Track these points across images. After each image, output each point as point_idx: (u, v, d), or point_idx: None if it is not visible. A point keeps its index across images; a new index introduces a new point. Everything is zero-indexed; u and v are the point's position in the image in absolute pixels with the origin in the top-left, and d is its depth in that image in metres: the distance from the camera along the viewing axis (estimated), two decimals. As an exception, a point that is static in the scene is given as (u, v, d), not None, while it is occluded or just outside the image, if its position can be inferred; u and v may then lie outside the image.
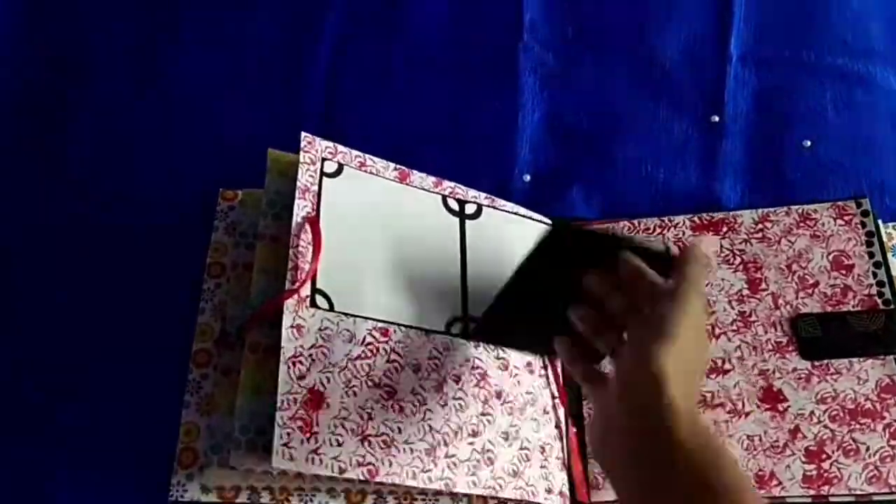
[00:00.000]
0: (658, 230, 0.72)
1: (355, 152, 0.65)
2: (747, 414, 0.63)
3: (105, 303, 0.67)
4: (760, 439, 0.62)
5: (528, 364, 0.64)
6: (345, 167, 0.64)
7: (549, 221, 0.73)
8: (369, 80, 0.80)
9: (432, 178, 0.68)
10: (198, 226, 0.68)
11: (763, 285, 0.68)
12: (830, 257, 0.68)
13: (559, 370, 0.65)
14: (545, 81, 0.81)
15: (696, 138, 0.80)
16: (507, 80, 0.81)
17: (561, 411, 0.64)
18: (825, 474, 0.60)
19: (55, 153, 0.74)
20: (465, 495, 0.60)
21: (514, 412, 0.62)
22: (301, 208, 0.60)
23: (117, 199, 0.72)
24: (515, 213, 0.71)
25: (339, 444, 0.54)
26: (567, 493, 0.62)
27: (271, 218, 0.62)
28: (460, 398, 0.60)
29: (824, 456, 0.60)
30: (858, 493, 0.59)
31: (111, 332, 0.66)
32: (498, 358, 0.63)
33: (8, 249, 0.70)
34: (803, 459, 0.61)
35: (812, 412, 0.62)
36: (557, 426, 0.64)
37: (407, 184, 0.67)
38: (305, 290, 0.57)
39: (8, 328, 0.66)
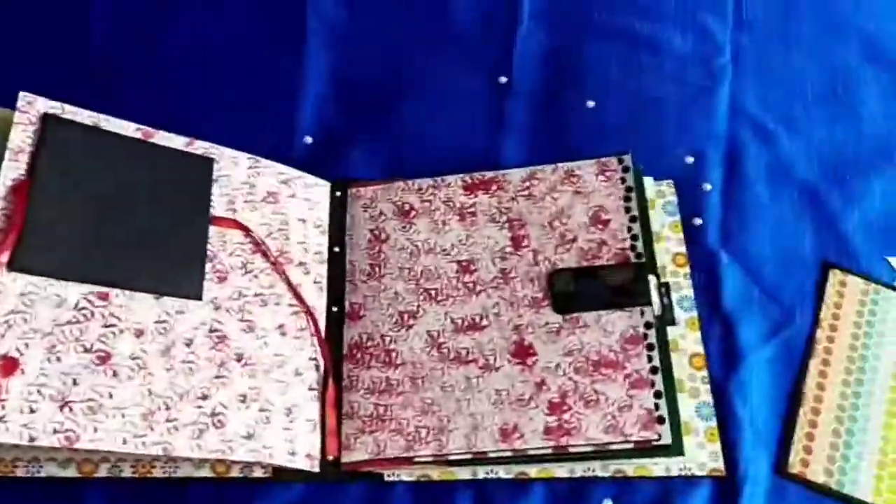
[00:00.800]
0: (430, 190, 0.71)
1: (88, 112, 0.62)
2: (498, 368, 0.63)
3: None
4: (508, 393, 0.62)
5: (280, 326, 0.63)
6: (75, 126, 0.61)
7: (326, 183, 0.71)
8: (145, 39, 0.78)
9: (182, 139, 0.66)
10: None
11: (525, 242, 0.68)
12: (590, 213, 0.68)
13: (321, 330, 0.64)
14: (333, 40, 0.80)
15: (483, 99, 0.79)
16: (294, 37, 0.79)
17: (318, 373, 0.63)
18: (565, 425, 0.60)
19: None
20: (203, 460, 0.58)
21: (256, 374, 0.60)
22: (11, 170, 0.57)
23: None
24: (282, 174, 0.69)
25: (33, 412, 0.51)
26: (317, 455, 0.61)
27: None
28: (191, 361, 0.58)
29: (566, 407, 0.61)
30: (595, 442, 0.60)
31: None
32: (242, 320, 0.61)
33: None
34: (546, 412, 0.61)
35: (559, 365, 0.62)
36: (312, 388, 0.63)
37: (152, 142, 0.64)
38: (6, 255, 0.54)
39: None
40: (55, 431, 0.52)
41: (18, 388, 0.51)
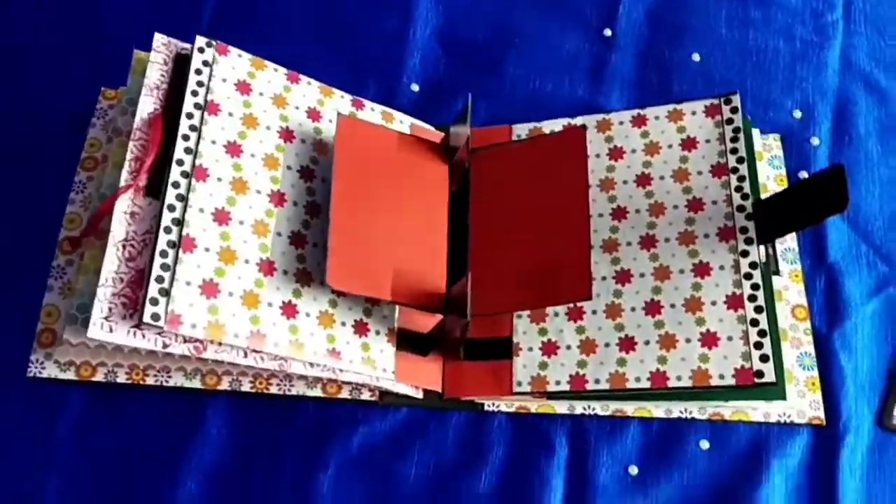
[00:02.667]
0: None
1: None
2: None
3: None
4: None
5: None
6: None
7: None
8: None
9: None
10: (81, 124, 0.70)
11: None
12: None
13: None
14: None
15: (587, 52, 0.80)
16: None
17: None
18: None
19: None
20: (316, 380, 0.62)
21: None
22: (148, 105, 0.61)
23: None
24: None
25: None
26: (420, 383, 0.64)
27: (130, 115, 0.63)
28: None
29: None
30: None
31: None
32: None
33: None
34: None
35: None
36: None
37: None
38: (143, 180, 0.59)
39: None
40: (185, 341, 0.56)
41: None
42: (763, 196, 0.66)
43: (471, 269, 0.63)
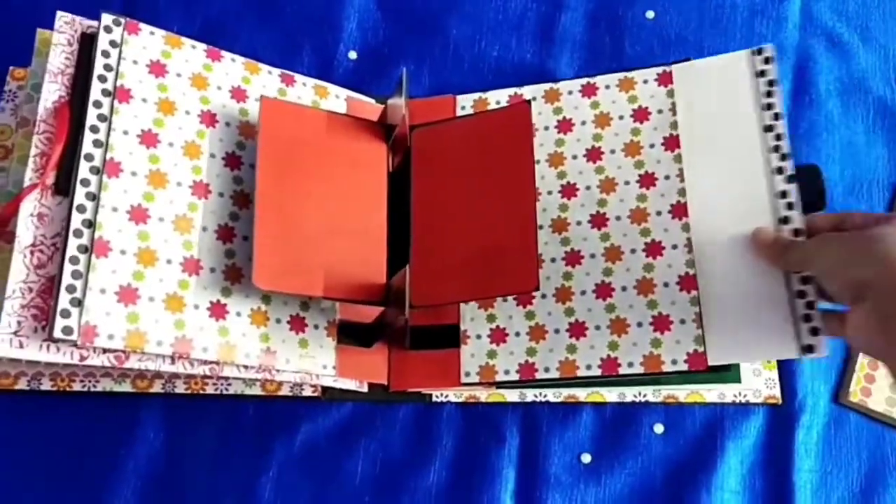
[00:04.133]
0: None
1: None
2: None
3: None
4: (558, 318, 0.60)
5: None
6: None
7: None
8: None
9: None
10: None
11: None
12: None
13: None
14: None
15: (534, 11, 0.75)
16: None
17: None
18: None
19: None
20: (253, 379, 0.59)
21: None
22: (52, 92, 0.56)
23: None
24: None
25: (87, 332, 0.52)
26: (365, 376, 0.61)
27: (35, 102, 0.58)
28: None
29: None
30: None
31: None
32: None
33: None
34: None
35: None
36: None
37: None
38: (51, 178, 0.54)
39: None
40: (104, 351, 0.52)
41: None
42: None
43: (413, 256, 0.60)
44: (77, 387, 0.59)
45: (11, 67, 0.67)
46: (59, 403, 0.59)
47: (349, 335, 0.61)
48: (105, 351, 0.52)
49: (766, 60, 0.61)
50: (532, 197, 0.58)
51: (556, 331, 0.59)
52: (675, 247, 0.59)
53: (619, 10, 0.75)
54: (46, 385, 0.58)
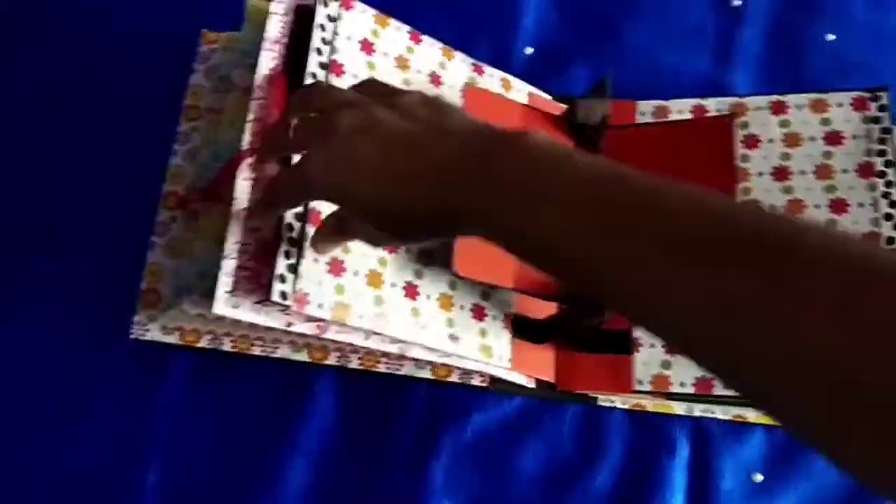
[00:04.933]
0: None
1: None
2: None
3: (74, 144, 0.65)
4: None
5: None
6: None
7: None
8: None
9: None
10: (176, 68, 0.66)
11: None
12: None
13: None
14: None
15: (713, 23, 0.75)
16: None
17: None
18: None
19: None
20: (429, 362, 0.59)
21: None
22: (268, 60, 0.57)
23: (91, 39, 0.69)
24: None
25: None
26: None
27: (247, 69, 0.59)
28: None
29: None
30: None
31: (82, 173, 0.64)
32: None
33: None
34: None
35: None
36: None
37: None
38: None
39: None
40: (308, 320, 0.53)
41: (281, 274, 0.53)
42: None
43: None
44: (256, 351, 0.59)
45: (203, 30, 0.68)
46: (235, 364, 0.60)
47: (522, 329, 0.61)
48: (309, 319, 0.53)
49: (881, 108, 0.62)
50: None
51: (737, 347, 0.59)
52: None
53: (800, 30, 0.74)
54: (227, 346, 0.59)
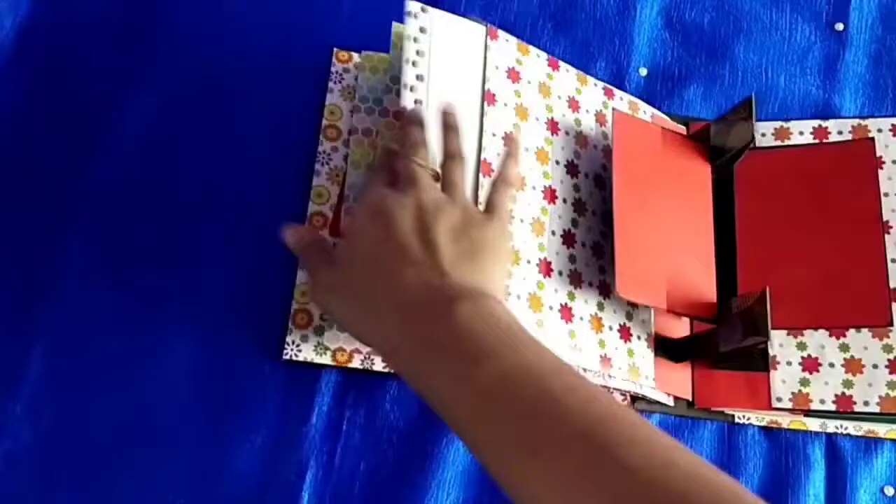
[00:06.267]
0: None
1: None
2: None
3: (212, 166, 0.65)
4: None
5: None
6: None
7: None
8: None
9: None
10: (308, 86, 0.67)
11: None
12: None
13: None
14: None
15: (818, 46, 0.77)
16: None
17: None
18: None
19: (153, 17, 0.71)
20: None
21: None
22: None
23: (223, 54, 0.69)
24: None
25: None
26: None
27: (396, 94, 0.60)
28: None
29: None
30: None
31: (221, 197, 0.64)
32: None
33: (121, 104, 0.68)
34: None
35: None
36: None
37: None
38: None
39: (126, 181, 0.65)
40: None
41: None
42: None
43: (740, 280, 0.61)
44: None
45: (335, 49, 0.68)
46: (385, 384, 0.61)
47: (662, 349, 0.63)
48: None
49: None
50: (880, 231, 0.60)
51: (875, 366, 0.61)
52: None
53: (903, 52, 0.76)
54: (379, 366, 0.60)
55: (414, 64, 0.57)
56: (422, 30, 0.58)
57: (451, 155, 0.53)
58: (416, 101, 0.56)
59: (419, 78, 0.57)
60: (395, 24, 0.62)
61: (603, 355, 0.58)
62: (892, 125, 0.67)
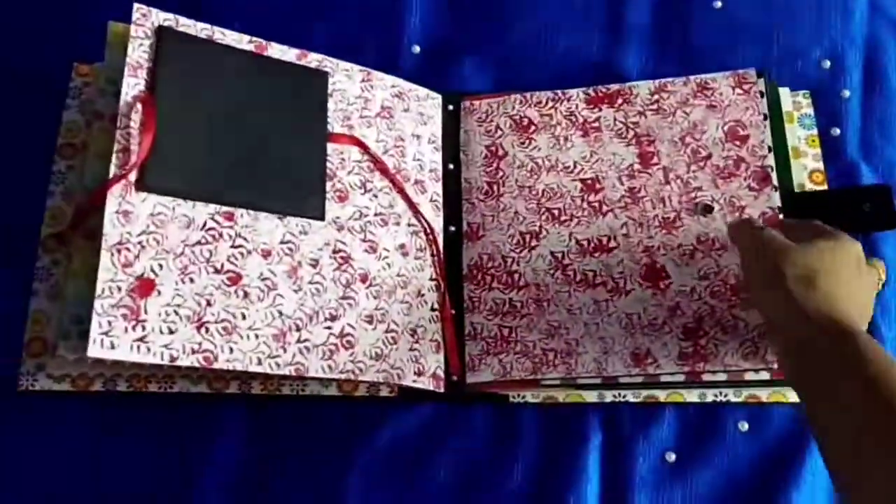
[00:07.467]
0: (550, 103, 0.67)
1: (202, 25, 0.59)
2: (628, 292, 0.60)
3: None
4: (639, 317, 0.59)
5: (402, 246, 0.61)
6: (191, 40, 0.58)
7: (437, 96, 0.68)
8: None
9: (295, 51, 0.63)
10: (50, 102, 0.64)
11: (655, 159, 0.64)
12: (726, 128, 0.64)
13: (440, 251, 0.62)
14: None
15: (599, 3, 0.74)
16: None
17: (439, 293, 0.62)
18: (701, 351, 0.58)
19: None
20: (332, 380, 0.58)
21: (381, 295, 0.59)
22: (132, 86, 0.55)
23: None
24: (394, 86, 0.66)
25: (172, 332, 0.51)
26: (442, 375, 0.60)
27: (111, 96, 0.57)
28: (317, 282, 0.57)
29: (702, 332, 0.58)
30: (733, 368, 0.57)
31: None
32: (364, 241, 0.60)
33: None
34: (680, 336, 0.58)
35: (693, 288, 0.60)
36: (434, 308, 0.61)
37: (266, 56, 0.61)
38: (134, 175, 0.53)
39: None
40: (194, 352, 0.52)
41: (156, 309, 0.51)
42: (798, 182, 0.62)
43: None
44: (153, 388, 0.58)
45: (76, 63, 0.65)
46: (135, 404, 0.58)
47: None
48: (195, 351, 0.51)
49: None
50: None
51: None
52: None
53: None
54: (122, 386, 0.58)
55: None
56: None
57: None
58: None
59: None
60: (111, 24, 0.59)
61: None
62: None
